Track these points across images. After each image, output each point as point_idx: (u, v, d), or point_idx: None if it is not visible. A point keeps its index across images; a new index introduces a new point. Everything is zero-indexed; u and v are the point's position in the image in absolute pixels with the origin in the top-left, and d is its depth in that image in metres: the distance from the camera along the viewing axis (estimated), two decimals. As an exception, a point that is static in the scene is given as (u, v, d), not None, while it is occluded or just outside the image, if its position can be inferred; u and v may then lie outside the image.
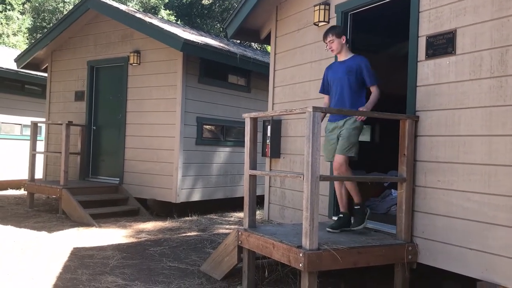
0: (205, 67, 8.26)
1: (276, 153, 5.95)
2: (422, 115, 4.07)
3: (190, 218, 7.94)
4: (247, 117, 4.38)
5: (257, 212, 8.95)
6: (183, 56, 7.79)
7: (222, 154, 8.67)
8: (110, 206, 8.07)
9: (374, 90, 4.26)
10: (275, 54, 6.16)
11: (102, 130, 9.01)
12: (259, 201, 9.77)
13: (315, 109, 3.52)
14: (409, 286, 4.02)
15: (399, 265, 3.94)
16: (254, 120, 4.38)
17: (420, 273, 4.28)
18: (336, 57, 4.72)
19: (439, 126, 3.92)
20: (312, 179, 3.49)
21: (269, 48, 19.64)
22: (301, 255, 3.47)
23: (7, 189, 11.06)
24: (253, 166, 4.35)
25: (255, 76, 9.29)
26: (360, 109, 4.12)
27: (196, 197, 8.13)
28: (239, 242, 4.35)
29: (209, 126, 8.41)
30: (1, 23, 24.67)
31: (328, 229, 4.27)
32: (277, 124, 5.90)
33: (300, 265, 3.47)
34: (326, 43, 4.43)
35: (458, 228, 3.70)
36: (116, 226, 7.18)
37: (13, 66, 10.48)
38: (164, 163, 7.95)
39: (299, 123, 5.52)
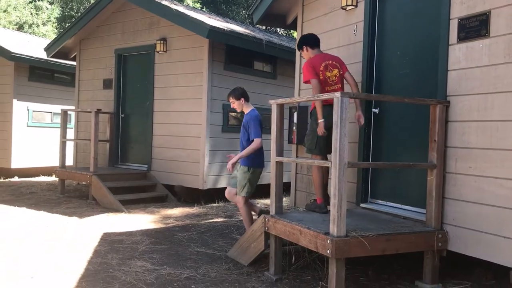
0: (230, 54, 8.25)
1: (302, 140, 5.90)
2: (453, 100, 3.97)
3: (216, 204, 8.00)
4: (273, 103, 4.35)
5: (283, 199, 8.96)
6: (209, 43, 7.79)
7: (248, 141, 8.66)
8: (139, 192, 8.20)
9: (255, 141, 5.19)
10: (301, 39, 6.08)
11: (130, 118, 9.13)
12: (285, 188, 9.71)
13: (343, 94, 3.47)
14: (438, 274, 3.96)
15: (429, 253, 3.89)
16: (281, 107, 4.35)
17: (450, 261, 4.21)
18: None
19: (471, 111, 3.82)
20: (340, 166, 3.46)
21: (295, 34, 19.48)
22: (328, 241, 3.45)
23: (39, 175, 11.36)
24: (280, 152, 4.34)
25: (281, 62, 9.23)
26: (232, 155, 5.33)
27: (223, 183, 8.16)
28: (266, 228, 4.36)
29: (235, 113, 8.41)
30: (31, 13, 25.16)
31: None
32: (303, 110, 5.85)
33: (328, 251, 3.46)
34: (230, 102, 5.49)
35: (490, 215, 3.62)
36: (144, 212, 7.30)
37: (43, 55, 10.69)
38: (191, 150, 8.01)
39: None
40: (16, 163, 10.75)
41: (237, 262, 4.77)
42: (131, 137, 9.13)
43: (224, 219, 6.88)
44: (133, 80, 9.12)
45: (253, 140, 5.20)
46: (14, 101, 10.67)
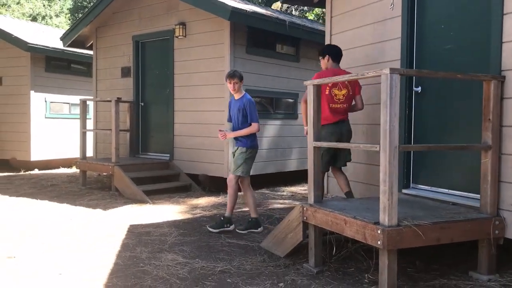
0: (252, 37, 7.94)
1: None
2: (509, 74, 3.63)
3: (242, 193, 7.73)
4: (309, 84, 4.05)
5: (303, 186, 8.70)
6: (230, 26, 7.49)
7: (271, 127, 8.39)
8: (162, 182, 8.00)
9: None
10: (331, 17, 5.76)
11: (150, 106, 8.90)
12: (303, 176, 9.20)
13: (393, 71, 3.16)
14: (495, 264, 3.67)
15: (485, 241, 3.59)
16: (318, 88, 4.05)
17: (508, 249, 3.91)
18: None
19: (531, 86, 3.48)
20: (390, 149, 3.16)
21: (314, 12, 18.98)
22: (379, 232, 3.17)
23: (59, 167, 11.24)
24: (317, 137, 4.05)
25: (304, 44, 8.89)
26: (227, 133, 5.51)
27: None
28: (304, 218, 4.09)
29: (258, 99, 8.12)
30: (44, 5, 25.03)
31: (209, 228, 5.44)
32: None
33: (379, 242, 3.18)
34: (231, 83, 5.37)
35: (556, 200, 3.30)
36: (169, 203, 7.09)
37: (59, 45, 10.49)
38: (214, 138, 7.73)
39: (365, 89, 5.13)
40: (35, 155, 10.63)
41: (272, 254, 4.53)
42: (151, 126, 8.90)
43: (252, 208, 6.63)
44: (152, 67, 8.87)
45: (250, 124, 5.37)
46: (32, 92, 10.51)
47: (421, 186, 4.60)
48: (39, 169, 10.79)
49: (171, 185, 7.97)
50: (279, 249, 4.49)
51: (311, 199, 4.09)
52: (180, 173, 8.16)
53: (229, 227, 5.47)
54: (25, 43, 10.03)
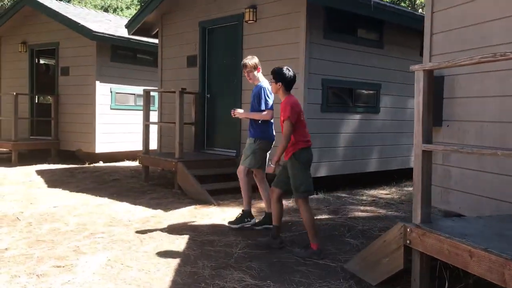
0: (331, 20, 7.02)
1: (436, 120, 4.61)
2: None
3: (316, 196, 6.90)
4: (419, 69, 3.13)
5: (394, 189, 7.68)
6: (307, 8, 6.62)
7: (350, 122, 7.45)
8: (227, 181, 7.31)
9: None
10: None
11: (217, 98, 8.25)
12: (395, 177, 8.08)
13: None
14: None
15: None
16: (429, 74, 3.12)
17: None
18: None
19: None
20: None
21: None
22: (532, 276, 2.23)
23: (124, 160, 10.95)
24: (428, 138, 3.13)
25: (388, 28, 7.84)
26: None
27: (322, 172, 7.06)
28: (407, 241, 3.19)
29: (336, 90, 7.23)
30: (115, -2, 25.39)
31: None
32: (437, 82, 4.53)
33: (531, 292, 2.24)
34: (245, 73, 5.27)
35: None
36: (235, 204, 6.39)
37: (125, 34, 10.14)
38: (286, 133, 6.94)
39: (475, 78, 4.12)
40: (100, 147, 10.39)
41: (360, 280, 3.68)
42: (217, 119, 8.26)
43: (329, 216, 5.78)
44: (219, 55, 8.21)
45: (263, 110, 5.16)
46: (97, 83, 10.25)
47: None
48: (104, 162, 10.53)
49: (238, 184, 7.24)
50: (370, 274, 3.62)
51: (417, 218, 3.18)
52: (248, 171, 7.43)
53: (249, 221, 5.23)
54: (91, 31, 9.73)
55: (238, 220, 5.25)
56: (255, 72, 5.25)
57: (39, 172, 8.88)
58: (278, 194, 4.54)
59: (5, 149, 10.74)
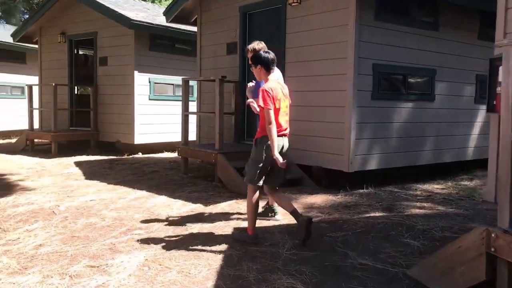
0: (382, 0, 6.46)
1: (511, 106, 4.03)
2: None
3: (366, 191, 6.41)
4: (508, 45, 2.61)
5: (450, 184, 7.06)
6: (357, -14, 6.10)
7: (403, 111, 6.88)
8: (269, 173, 6.91)
9: None
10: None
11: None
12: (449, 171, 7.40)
13: None
14: None
15: None
16: (521, 49, 2.59)
17: None
18: None
19: None
20: None
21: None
22: None
23: (163, 151, 10.73)
24: (519, 126, 2.61)
25: (445, 9, 7.18)
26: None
27: (373, 165, 6.55)
28: (491, 249, 2.70)
29: (388, 76, 6.67)
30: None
31: None
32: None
33: None
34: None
35: None
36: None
37: (163, 22, 9.86)
38: (333, 123, 6.48)
39: None
40: (139, 138, 10.19)
41: (428, 289, 3.20)
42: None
43: (383, 213, 5.28)
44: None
45: None
46: (135, 73, 10.03)
47: None
48: (143, 153, 10.33)
49: (280, 177, 6.85)
50: (440, 284, 3.15)
51: (504, 222, 2.67)
52: (291, 163, 6.98)
53: (274, 216, 5.03)
54: (129, 19, 9.49)
55: (262, 214, 5.01)
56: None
57: (78, 164, 8.75)
58: (266, 190, 4.44)
59: (46, 140, 10.72)
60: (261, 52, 4.37)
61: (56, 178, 7.32)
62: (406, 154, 6.98)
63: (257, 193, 4.24)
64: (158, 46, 10.45)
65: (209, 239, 4.35)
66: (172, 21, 9.38)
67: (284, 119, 4.25)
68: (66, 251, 4.08)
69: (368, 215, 5.19)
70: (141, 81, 10.16)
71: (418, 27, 6.94)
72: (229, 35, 8.18)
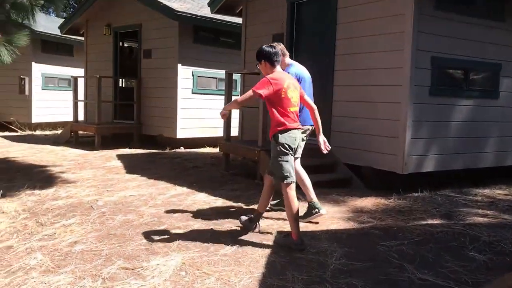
0: (444, -13, 5.94)
1: None
2: None
3: (420, 194, 5.90)
4: None
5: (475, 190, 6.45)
6: (416, -29, 5.60)
7: (463, 109, 6.32)
8: (314, 173, 6.45)
9: None
10: None
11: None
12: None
13: None
14: None
15: None
16: None
17: None
18: None
19: None
20: None
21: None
22: None
23: (204, 146, 10.52)
24: None
25: (513, -3, 6.55)
26: None
27: (429, 167, 6.05)
28: None
29: (448, 70, 6.14)
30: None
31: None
32: None
33: None
34: None
35: None
36: (325, 201, 5.58)
37: (207, 14, 9.62)
38: (386, 121, 6.02)
39: None
40: (181, 132, 10.01)
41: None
42: (305, 103, 7.46)
43: (442, 221, 4.79)
44: (308, 33, 7.38)
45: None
46: (179, 65, 9.83)
47: None
48: (184, 148, 10.16)
49: (326, 177, 6.44)
50: (518, 311, 2.69)
51: None
52: (337, 162, 6.60)
53: (318, 212, 4.67)
54: (173, 11, 9.29)
55: (306, 214, 4.71)
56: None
57: (120, 157, 8.66)
58: (270, 181, 4.26)
59: (90, 133, 10.74)
60: (263, 46, 4.16)
61: (97, 171, 7.23)
62: (465, 156, 6.42)
63: (294, 191, 4.00)
64: (202, 38, 10.22)
65: (250, 243, 4.04)
66: (216, 12, 9.13)
67: (295, 110, 4.11)
68: (101, 250, 3.89)
69: (425, 222, 4.73)
70: (185, 74, 9.97)
71: (482, 17, 6.34)
72: (276, 26, 7.82)
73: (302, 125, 4.54)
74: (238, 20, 9.43)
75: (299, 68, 5.03)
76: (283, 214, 5.00)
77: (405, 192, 5.94)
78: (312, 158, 6.75)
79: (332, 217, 4.91)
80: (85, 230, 4.39)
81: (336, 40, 6.71)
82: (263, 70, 4.19)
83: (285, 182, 3.98)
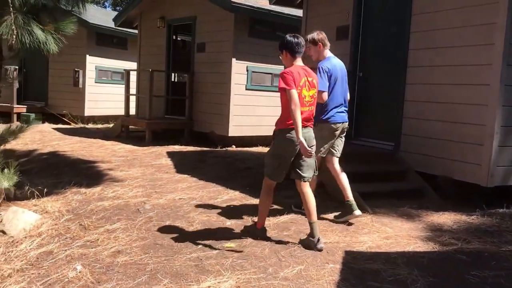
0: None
1: None
2: None
3: (507, 211, 5.11)
4: None
5: None
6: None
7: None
8: (381, 181, 5.81)
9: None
10: None
11: (371, 77, 6.75)
12: None
13: None
14: None
15: None
16: None
17: None
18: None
19: None
20: None
21: None
22: None
23: (257, 145, 10.01)
24: None
25: None
26: None
27: (518, 179, 5.23)
28: None
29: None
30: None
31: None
32: None
33: None
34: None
35: None
36: (396, 215, 4.92)
37: (264, 6, 9.08)
38: (468, 125, 5.26)
39: None
40: (233, 130, 9.55)
41: None
42: (371, 103, 6.77)
43: (542, 247, 4.03)
44: (377, 25, 6.69)
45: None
46: (233, 60, 9.36)
47: None
48: (236, 146, 9.70)
49: (394, 186, 5.75)
50: None
51: None
52: (409, 170, 5.89)
53: (354, 211, 4.53)
54: (230, 2, 8.82)
55: (343, 213, 4.63)
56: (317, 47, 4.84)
57: (170, 154, 8.29)
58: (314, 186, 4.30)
59: (141, 128, 10.50)
60: (287, 35, 3.97)
61: (146, 170, 6.87)
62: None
63: (271, 188, 4.02)
64: (258, 31, 9.68)
65: (315, 265, 3.48)
66: (275, 4, 8.57)
67: (307, 109, 3.89)
68: (146, 263, 3.44)
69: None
70: (239, 69, 9.49)
71: None
72: (341, 18, 7.16)
73: (338, 123, 4.70)
74: (297, 12, 8.84)
75: (334, 63, 4.82)
76: (350, 230, 4.40)
77: (488, 207, 5.16)
78: (381, 164, 6.11)
79: (408, 235, 4.25)
80: (130, 238, 3.98)
81: (410, 32, 5.99)
82: (284, 61, 4.02)
83: (271, 180, 3.96)
